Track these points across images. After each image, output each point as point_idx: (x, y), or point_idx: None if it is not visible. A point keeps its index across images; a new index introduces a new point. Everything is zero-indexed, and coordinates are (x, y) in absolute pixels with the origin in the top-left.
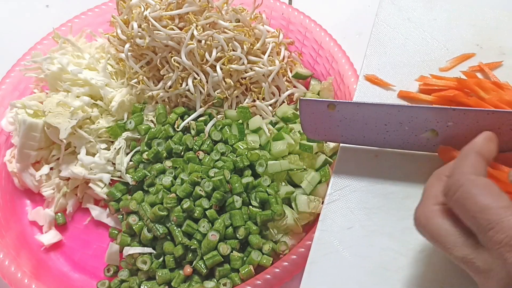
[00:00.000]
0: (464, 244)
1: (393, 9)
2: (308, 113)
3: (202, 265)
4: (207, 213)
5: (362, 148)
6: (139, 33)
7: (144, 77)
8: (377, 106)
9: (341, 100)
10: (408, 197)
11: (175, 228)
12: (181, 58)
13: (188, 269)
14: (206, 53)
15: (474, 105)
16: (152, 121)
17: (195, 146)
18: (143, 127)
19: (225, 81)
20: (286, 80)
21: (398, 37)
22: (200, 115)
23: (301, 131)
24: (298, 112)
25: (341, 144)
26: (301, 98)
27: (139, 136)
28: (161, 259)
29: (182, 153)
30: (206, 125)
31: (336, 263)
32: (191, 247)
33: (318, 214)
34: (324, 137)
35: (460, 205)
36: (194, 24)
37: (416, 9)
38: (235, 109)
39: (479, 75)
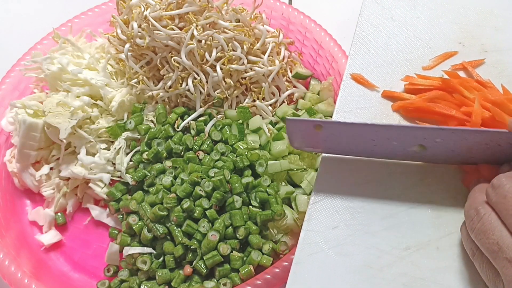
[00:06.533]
0: None
1: (376, 8)
2: (295, 131)
3: (202, 265)
4: (207, 213)
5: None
6: (139, 33)
7: (144, 77)
8: (364, 126)
9: (327, 120)
10: (392, 196)
11: (175, 228)
12: (181, 58)
13: (188, 269)
14: (206, 53)
15: (459, 104)
16: (152, 121)
17: (195, 146)
18: (143, 127)
19: (225, 81)
20: (286, 80)
21: (381, 36)
22: (200, 115)
23: None
24: (298, 112)
25: None
26: (288, 117)
27: (139, 136)
28: (161, 259)
29: (182, 153)
30: (206, 125)
31: (321, 263)
32: (191, 247)
33: None
34: (312, 149)
35: None
36: (194, 24)
37: (399, 8)
38: (235, 109)
39: (462, 73)
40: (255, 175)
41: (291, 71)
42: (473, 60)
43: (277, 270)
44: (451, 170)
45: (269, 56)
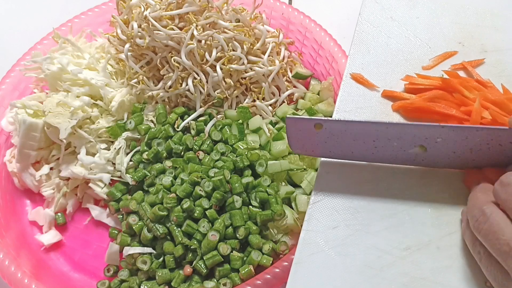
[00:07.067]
0: None
1: (376, 8)
2: (295, 131)
3: (202, 265)
4: (207, 213)
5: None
6: (139, 33)
7: (144, 77)
8: (365, 124)
9: (327, 118)
10: (392, 196)
11: (175, 228)
12: (181, 58)
13: (188, 269)
14: (206, 53)
15: (459, 103)
16: (152, 121)
17: (195, 146)
18: (143, 127)
19: (225, 81)
20: (286, 80)
21: (381, 36)
22: (200, 115)
23: None
24: (298, 112)
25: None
26: (288, 116)
27: (139, 136)
28: (161, 259)
29: (182, 153)
30: (206, 125)
31: (321, 263)
32: (191, 247)
33: None
34: (312, 153)
35: None
36: (194, 24)
37: (399, 8)
38: (235, 109)
39: (462, 73)
40: (255, 175)
41: (291, 71)
42: (473, 60)
43: (277, 270)
44: (452, 170)
45: (269, 56)
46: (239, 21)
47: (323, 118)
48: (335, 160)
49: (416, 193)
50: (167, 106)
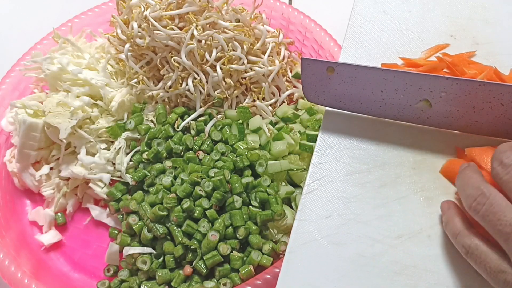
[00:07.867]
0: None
1: (369, 2)
2: (309, 74)
3: (202, 265)
4: (207, 213)
5: (340, 138)
6: (139, 33)
7: (144, 77)
8: (374, 69)
9: (339, 62)
10: (384, 185)
11: (175, 228)
12: (181, 58)
13: (188, 269)
14: (206, 53)
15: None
16: (152, 121)
17: (195, 146)
18: (143, 127)
19: (225, 81)
20: (286, 80)
21: (374, 30)
22: (200, 115)
23: (301, 131)
24: (298, 112)
25: (320, 134)
26: (303, 57)
27: (139, 136)
28: (161, 259)
29: (182, 153)
30: (206, 125)
31: (314, 252)
32: (191, 247)
33: None
34: (323, 102)
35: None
36: (194, 24)
37: (391, 2)
38: (235, 109)
39: None
40: (255, 175)
41: (291, 71)
42: (464, 52)
43: (277, 270)
44: (442, 159)
45: (269, 56)
46: (239, 21)
47: (335, 61)
48: (329, 148)
49: (408, 183)
50: (167, 106)
